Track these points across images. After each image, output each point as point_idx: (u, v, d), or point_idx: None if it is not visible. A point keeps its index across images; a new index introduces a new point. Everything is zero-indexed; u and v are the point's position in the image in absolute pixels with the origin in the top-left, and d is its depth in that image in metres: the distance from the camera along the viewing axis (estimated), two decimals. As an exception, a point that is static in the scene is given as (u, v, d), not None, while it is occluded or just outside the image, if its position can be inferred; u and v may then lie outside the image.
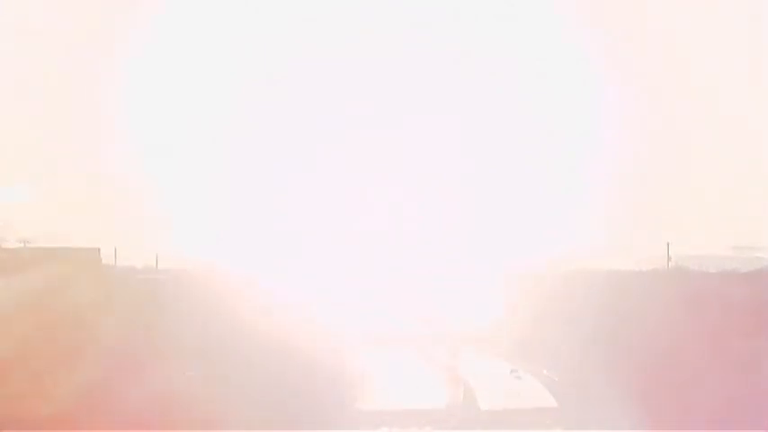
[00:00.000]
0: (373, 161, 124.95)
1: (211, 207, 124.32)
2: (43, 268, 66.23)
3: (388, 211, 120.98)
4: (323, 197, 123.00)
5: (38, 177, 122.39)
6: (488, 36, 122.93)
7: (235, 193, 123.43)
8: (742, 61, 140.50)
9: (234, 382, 68.73)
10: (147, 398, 62.24)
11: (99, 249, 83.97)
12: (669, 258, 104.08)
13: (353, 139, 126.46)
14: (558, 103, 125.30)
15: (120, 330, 66.45)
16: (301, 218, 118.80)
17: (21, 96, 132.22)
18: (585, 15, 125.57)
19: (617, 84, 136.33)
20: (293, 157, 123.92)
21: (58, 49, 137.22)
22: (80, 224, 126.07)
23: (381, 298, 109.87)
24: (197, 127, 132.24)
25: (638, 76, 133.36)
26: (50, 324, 61.95)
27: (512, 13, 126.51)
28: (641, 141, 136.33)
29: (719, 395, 62.83)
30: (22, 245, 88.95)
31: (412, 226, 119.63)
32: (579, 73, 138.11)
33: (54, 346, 60.93)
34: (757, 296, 74.58)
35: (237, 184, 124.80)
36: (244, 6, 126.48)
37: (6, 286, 62.18)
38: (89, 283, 69.62)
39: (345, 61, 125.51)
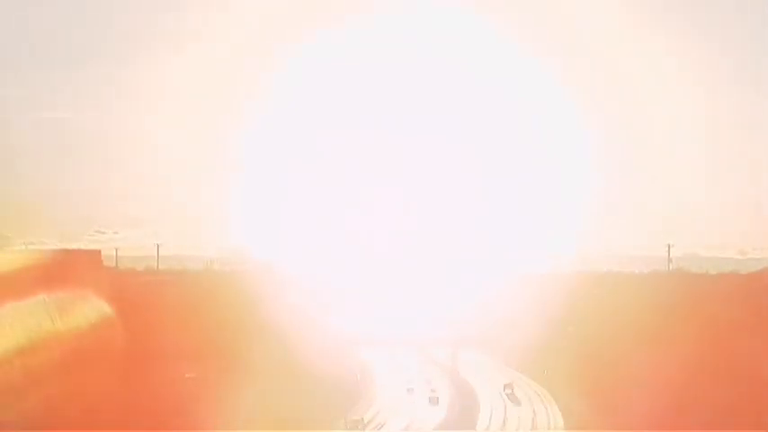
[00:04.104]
0: (383, 166, 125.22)
1: (212, 207, 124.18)
2: (45, 270, 65.97)
3: (394, 214, 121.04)
4: (326, 198, 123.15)
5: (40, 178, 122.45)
6: (495, 50, 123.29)
7: (235, 193, 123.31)
8: (741, 67, 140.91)
9: (232, 384, 68.74)
10: (146, 398, 62.30)
11: (100, 251, 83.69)
12: (669, 260, 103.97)
13: (361, 144, 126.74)
14: (561, 113, 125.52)
15: (122, 331, 66.46)
16: (302, 219, 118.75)
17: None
18: (587, 28, 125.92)
19: (618, 93, 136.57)
20: (301, 160, 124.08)
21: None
22: (81, 225, 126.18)
23: (384, 299, 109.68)
24: (196, 128, 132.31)
25: (638, 81, 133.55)
26: (56, 325, 61.87)
27: (517, 24, 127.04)
28: (642, 148, 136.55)
29: (720, 395, 62.92)
30: (24, 247, 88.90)
31: (416, 230, 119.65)
32: (582, 83, 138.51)
33: (56, 348, 60.86)
34: (757, 297, 74.59)
35: (240, 185, 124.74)
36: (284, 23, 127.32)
37: (9, 288, 61.98)
38: (90, 284, 69.46)
39: (361, 74, 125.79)
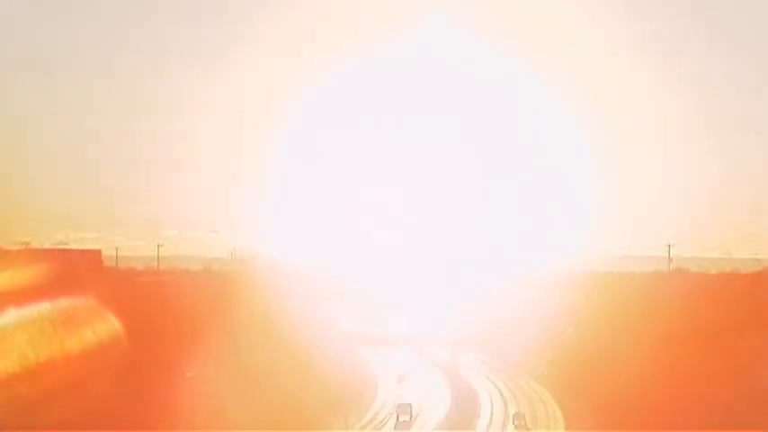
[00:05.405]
0: (383, 166, 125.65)
1: (212, 207, 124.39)
2: (45, 270, 65.85)
3: (394, 214, 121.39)
4: (326, 198, 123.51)
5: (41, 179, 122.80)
6: (495, 49, 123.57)
7: (236, 193, 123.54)
8: (740, 68, 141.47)
9: (232, 383, 68.78)
10: (146, 397, 62.28)
11: (100, 251, 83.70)
12: (670, 260, 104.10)
13: (361, 144, 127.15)
14: (561, 113, 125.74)
15: (122, 330, 66.40)
16: (302, 219, 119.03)
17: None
18: (587, 29, 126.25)
19: (617, 93, 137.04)
20: (301, 160, 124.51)
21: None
22: (82, 225, 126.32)
23: (384, 299, 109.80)
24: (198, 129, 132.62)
25: (638, 81, 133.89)
26: (54, 325, 61.82)
27: (517, 24, 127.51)
28: (641, 150, 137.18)
29: (720, 394, 62.94)
30: (23, 246, 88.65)
31: (416, 229, 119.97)
32: (582, 83, 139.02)
33: (57, 349, 60.85)
34: (757, 297, 74.61)
35: (241, 185, 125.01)
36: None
37: (8, 287, 61.89)
38: (90, 283, 69.37)
39: (362, 74, 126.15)
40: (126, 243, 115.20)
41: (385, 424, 79.74)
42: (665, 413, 64.71)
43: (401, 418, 79.79)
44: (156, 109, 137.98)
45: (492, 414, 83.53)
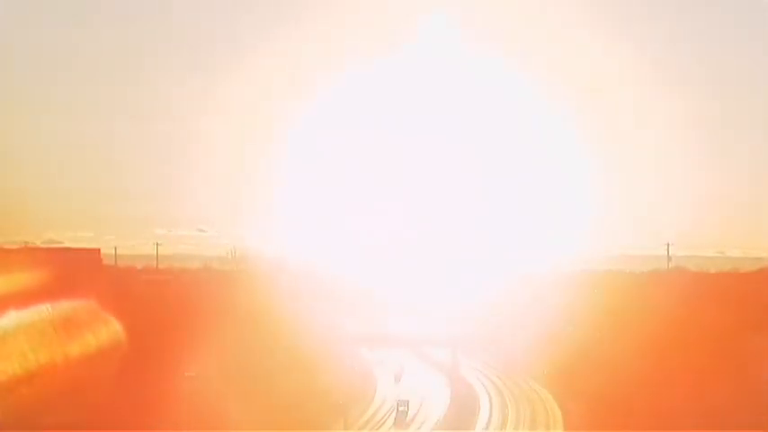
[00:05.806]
0: (383, 166, 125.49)
1: (213, 207, 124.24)
2: (45, 268, 65.89)
3: (394, 213, 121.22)
4: (325, 197, 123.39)
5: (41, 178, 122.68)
6: (495, 50, 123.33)
7: (235, 192, 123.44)
8: (739, 68, 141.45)
9: (232, 383, 68.78)
10: (146, 397, 62.28)
11: (99, 250, 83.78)
12: (669, 259, 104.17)
13: (361, 144, 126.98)
14: (561, 113, 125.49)
15: (121, 330, 66.47)
16: (302, 218, 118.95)
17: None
18: (586, 29, 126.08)
19: (617, 93, 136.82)
20: (300, 160, 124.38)
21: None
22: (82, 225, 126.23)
23: (384, 299, 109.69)
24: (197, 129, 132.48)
25: (638, 81, 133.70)
26: (54, 325, 61.84)
27: (516, 24, 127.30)
28: (641, 150, 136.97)
29: (720, 394, 62.96)
30: (22, 245, 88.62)
31: (416, 229, 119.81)
32: (582, 83, 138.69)
33: (58, 349, 60.86)
34: (756, 296, 74.70)
35: (240, 184, 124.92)
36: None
37: (8, 286, 61.90)
38: (89, 282, 69.40)
39: (362, 74, 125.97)
40: (120, 242, 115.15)
41: (384, 423, 79.76)
42: (665, 412, 64.68)
43: (401, 408, 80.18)
44: (155, 109, 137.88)
45: (491, 413, 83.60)
